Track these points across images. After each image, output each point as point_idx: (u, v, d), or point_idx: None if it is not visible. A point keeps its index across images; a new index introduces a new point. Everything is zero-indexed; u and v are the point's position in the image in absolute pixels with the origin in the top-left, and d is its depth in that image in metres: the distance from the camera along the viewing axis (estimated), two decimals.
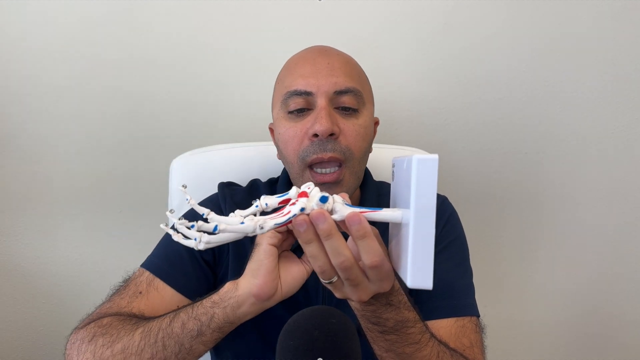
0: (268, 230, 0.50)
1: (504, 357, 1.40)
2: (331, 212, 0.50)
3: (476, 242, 1.25)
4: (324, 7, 1.08)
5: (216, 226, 0.50)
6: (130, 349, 0.60)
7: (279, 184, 0.84)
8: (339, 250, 0.49)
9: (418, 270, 0.47)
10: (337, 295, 0.55)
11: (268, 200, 0.53)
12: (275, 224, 0.50)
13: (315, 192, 0.51)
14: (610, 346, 1.40)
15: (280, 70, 0.82)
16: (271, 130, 0.84)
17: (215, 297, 0.59)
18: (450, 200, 0.87)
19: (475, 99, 1.17)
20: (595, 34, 1.14)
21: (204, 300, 0.60)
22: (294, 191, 0.52)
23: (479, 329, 0.76)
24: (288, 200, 0.53)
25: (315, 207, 0.49)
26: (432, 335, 0.64)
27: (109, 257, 1.21)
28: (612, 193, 1.26)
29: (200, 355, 0.62)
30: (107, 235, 1.19)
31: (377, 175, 0.89)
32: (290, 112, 0.75)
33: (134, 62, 1.09)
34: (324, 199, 0.49)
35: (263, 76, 1.11)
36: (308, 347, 0.50)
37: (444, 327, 0.73)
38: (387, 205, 0.61)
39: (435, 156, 0.45)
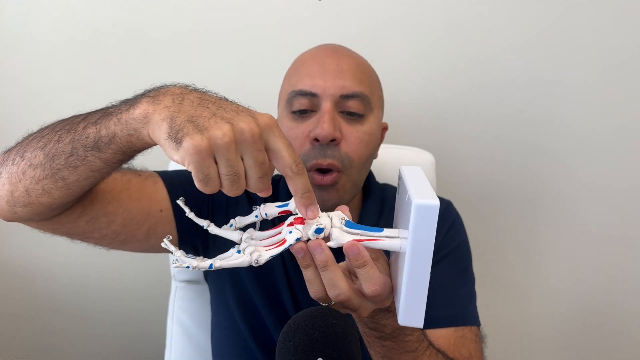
0: (265, 262, 0.50)
1: (505, 357, 1.39)
2: (328, 237, 0.49)
3: (476, 243, 1.25)
4: (324, 7, 1.08)
5: (211, 264, 0.49)
6: (41, 132, 0.54)
7: (282, 182, 0.83)
8: (334, 283, 0.49)
9: (410, 311, 0.48)
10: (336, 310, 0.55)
11: (268, 211, 0.52)
12: (271, 256, 0.49)
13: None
14: (612, 346, 1.39)
15: (290, 67, 0.79)
16: None
17: (124, 115, 0.48)
18: (452, 200, 0.87)
19: (475, 99, 1.17)
20: (596, 34, 1.13)
21: (114, 112, 0.49)
22: (294, 204, 0.52)
23: (479, 339, 0.75)
24: (288, 212, 0.52)
25: (311, 237, 0.49)
26: (430, 344, 0.63)
27: (108, 258, 1.21)
28: (614, 193, 1.25)
29: (101, 172, 0.53)
30: None
31: (380, 176, 0.89)
32: (294, 112, 0.72)
33: (133, 61, 1.09)
34: (319, 231, 0.48)
35: (262, 76, 1.11)
36: (308, 348, 0.50)
37: (442, 336, 0.72)
38: (392, 209, 0.60)
39: (436, 203, 0.44)
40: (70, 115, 0.55)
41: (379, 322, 0.57)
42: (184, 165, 0.43)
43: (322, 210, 0.52)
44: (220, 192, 0.73)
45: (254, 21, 1.08)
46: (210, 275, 0.83)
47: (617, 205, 1.27)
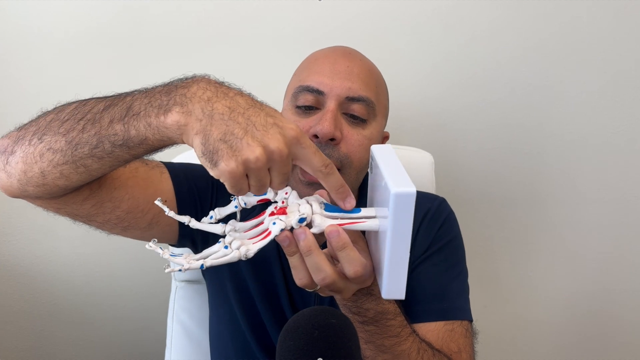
0: (253, 255, 0.51)
1: (504, 356, 1.40)
2: (310, 224, 0.51)
3: (476, 243, 1.26)
4: (324, 7, 1.08)
5: (202, 264, 0.51)
6: (58, 114, 0.54)
7: None
8: (319, 266, 0.51)
9: (392, 286, 0.50)
10: (321, 294, 0.57)
11: (246, 200, 0.54)
12: (259, 249, 0.51)
13: (293, 199, 0.53)
14: (610, 346, 1.40)
15: (301, 62, 0.80)
16: None
17: (154, 120, 0.48)
18: (450, 200, 0.87)
19: (475, 99, 1.17)
20: (595, 34, 1.14)
21: (142, 113, 0.49)
22: (271, 193, 0.54)
23: (470, 334, 0.75)
24: (267, 200, 0.54)
25: (295, 226, 0.50)
26: (414, 331, 0.64)
27: (109, 257, 1.21)
28: (612, 193, 1.26)
29: (127, 162, 0.55)
30: (107, 235, 1.19)
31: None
32: (298, 107, 0.73)
33: (135, 60, 1.09)
34: (302, 220, 0.50)
35: (263, 75, 1.11)
36: (308, 347, 0.50)
37: (432, 330, 0.72)
38: None
39: (413, 190, 0.46)
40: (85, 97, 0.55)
41: (361, 307, 0.58)
42: (218, 178, 0.47)
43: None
44: (225, 191, 0.74)
45: (254, 21, 1.08)
46: (209, 271, 0.84)
47: (616, 206, 1.27)
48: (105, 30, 1.06)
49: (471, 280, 0.82)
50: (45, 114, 0.56)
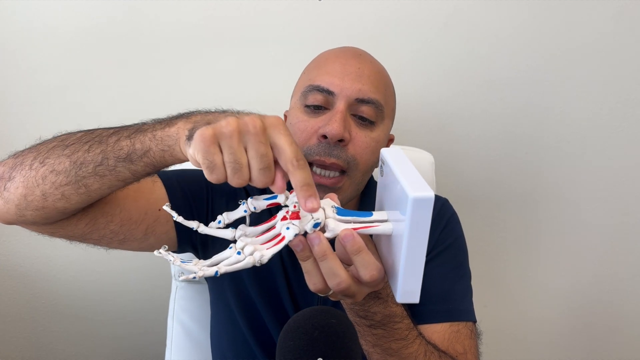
0: (268, 260, 0.51)
1: (503, 356, 1.40)
2: (323, 228, 0.51)
3: (477, 243, 1.26)
4: (324, 7, 1.08)
5: (217, 271, 0.50)
6: (63, 142, 0.56)
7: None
8: (334, 271, 0.50)
9: (408, 289, 0.50)
10: (332, 298, 0.56)
11: (256, 204, 0.53)
12: (273, 254, 0.50)
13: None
14: (611, 345, 1.40)
15: (311, 61, 0.80)
16: (285, 117, 0.83)
17: (159, 132, 0.52)
18: (451, 200, 0.87)
19: (475, 100, 1.17)
20: (595, 35, 1.13)
21: (149, 129, 0.53)
22: (282, 197, 0.53)
23: (475, 335, 0.75)
24: (277, 204, 0.53)
25: (309, 231, 0.50)
26: (420, 334, 0.64)
27: (109, 258, 1.21)
28: (612, 193, 1.26)
29: (126, 182, 0.57)
30: None
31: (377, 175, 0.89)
32: (307, 106, 0.73)
33: (136, 61, 1.08)
34: (316, 225, 0.50)
35: (262, 76, 1.11)
36: (308, 347, 0.50)
37: (437, 331, 0.72)
38: None
39: (431, 195, 0.46)
40: (86, 127, 0.58)
41: (369, 310, 0.58)
42: (195, 157, 0.47)
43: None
44: (220, 194, 0.74)
45: (253, 22, 1.08)
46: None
47: (616, 205, 1.27)
48: (109, 29, 1.06)
49: (472, 281, 0.82)
50: (45, 142, 0.57)
